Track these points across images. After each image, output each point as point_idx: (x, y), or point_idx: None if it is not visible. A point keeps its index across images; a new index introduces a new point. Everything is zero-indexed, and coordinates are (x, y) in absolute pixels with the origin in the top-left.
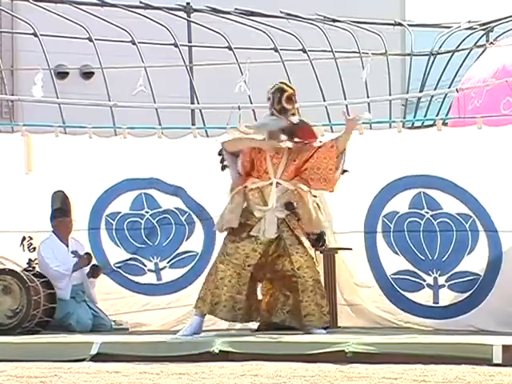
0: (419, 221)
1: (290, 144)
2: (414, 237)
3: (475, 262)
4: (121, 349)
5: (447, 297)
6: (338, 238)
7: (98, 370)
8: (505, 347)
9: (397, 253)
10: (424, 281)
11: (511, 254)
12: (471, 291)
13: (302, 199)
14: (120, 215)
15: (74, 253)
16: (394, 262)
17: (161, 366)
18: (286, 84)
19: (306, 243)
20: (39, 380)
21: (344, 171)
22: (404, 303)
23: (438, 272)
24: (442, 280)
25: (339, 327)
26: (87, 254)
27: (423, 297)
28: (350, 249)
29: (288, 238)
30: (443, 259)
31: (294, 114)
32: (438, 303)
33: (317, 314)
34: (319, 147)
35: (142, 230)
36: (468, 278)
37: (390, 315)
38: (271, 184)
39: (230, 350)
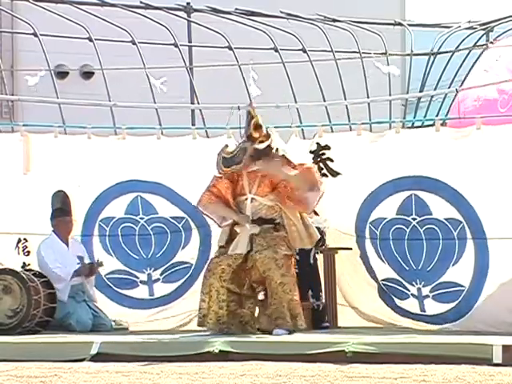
0: (405, 228)
1: (257, 167)
2: (398, 245)
3: (460, 272)
4: (121, 349)
5: (433, 307)
6: (340, 238)
7: (98, 370)
8: (505, 347)
9: (383, 260)
10: (408, 291)
11: (499, 262)
12: (456, 302)
13: (285, 214)
14: (114, 220)
15: (80, 258)
16: (381, 269)
17: (161, 366)
18: (253, 110)
19: (277, 248)
20: (39, 380)
21: (336, 174)
22: (397, 308)
23: (422, 283)
24: (426, 291)
25: (339, 327)
26: (91, 263)
27: (410, 305)
28: (350, 248)
29: (256, 245)
30: (428, 269)
31: (262, 142)
32: (425, 311)
33: (286, 317)
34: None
35: (137, 237)
36: (453, 289)
37: (388, 316)
38: (247, 199)
39: (229, 349)
